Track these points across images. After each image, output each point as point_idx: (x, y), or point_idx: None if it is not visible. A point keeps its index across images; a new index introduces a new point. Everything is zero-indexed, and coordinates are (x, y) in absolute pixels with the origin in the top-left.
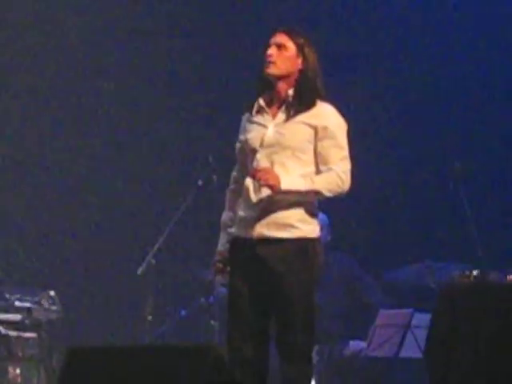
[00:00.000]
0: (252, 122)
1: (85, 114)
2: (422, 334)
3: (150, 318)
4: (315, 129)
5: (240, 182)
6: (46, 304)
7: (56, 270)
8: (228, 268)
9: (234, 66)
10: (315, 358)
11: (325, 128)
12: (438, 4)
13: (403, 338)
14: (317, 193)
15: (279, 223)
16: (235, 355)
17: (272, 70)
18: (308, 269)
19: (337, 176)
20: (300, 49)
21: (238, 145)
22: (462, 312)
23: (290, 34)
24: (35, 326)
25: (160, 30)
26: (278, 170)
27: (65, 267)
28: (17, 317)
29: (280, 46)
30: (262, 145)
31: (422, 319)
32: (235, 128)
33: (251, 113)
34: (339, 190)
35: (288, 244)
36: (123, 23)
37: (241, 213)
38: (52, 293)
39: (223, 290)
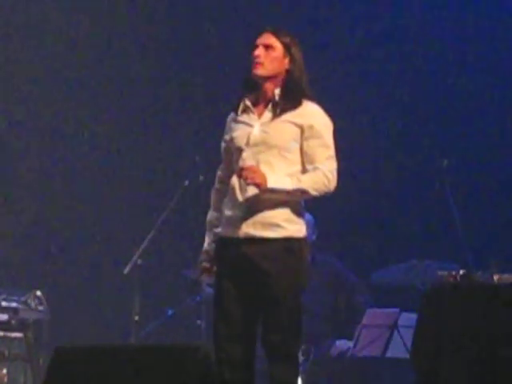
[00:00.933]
0: (238, 122)
1: (70, 116)
2: (408, 334)
3: (136, 317)
4: (301, 128)
5: (225, 182)
6: (32, 304)
7: (42, 270)
8: (214, 268)
9: (220, 66)
10: (301, 357)
11: (311, 127)
12: (431, 8)
13: (390, 337)
14: (303, 192)
15: (265, 223)
16: (222, 355)
17: (260, 71)
18: (294, 268)
19: (323, 175)
20: (287, 48)
21: (223, 144)
22: (448, 312)
23: (277, 33)
24: (22, 326)
25: (145, 33)
26: (264, 168)
27: (51, 267)
28: (3, 317)
29: (267, 47)
30: (247, 144)
31: (409, 319)
32: (222, 128)
33: (237, 112)
34: (325, 190)
35: (274, 243)
36: (112, 27)
37: (227, 212)
38: (38, 293)
39: (210, 290)
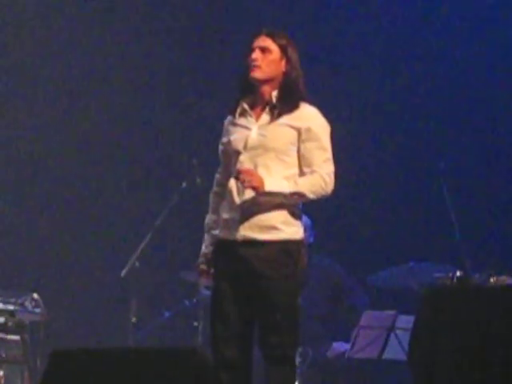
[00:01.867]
0: (235, 125)
1: (64, 119)
2: (405, 336)
3: (133, 320)
4: (298, 131)
5: (223, 185)
6: (29, 306)
7: (39, 273)
8: (212, 270)
9: (219, 68)
10: (298, 359)
11: (308, 130)
12: (420, 12)
13: (387, 339)
14: (300, 195)
15: (263, 225)
16: (219, 357)
17: (257, 75)
18: (292, 271)
19: (320, 178)
20: (284, 51)
21: (220, 147)
22: (445, 314)
23: (273, 36)
24: (19, 329)
25: (142, 34)
26: (261, 172)
27: (48, 269)
28: (0, 319)
29: (264, 50)
30: (245, 147)
31: (406, 321)
32: (219, 130)
33: (234, 115)
34: (323, 193)
35: (272, 246)
36: (110, 29)
37: (224, 215)
38: (35, 295)
39: (207, 292)
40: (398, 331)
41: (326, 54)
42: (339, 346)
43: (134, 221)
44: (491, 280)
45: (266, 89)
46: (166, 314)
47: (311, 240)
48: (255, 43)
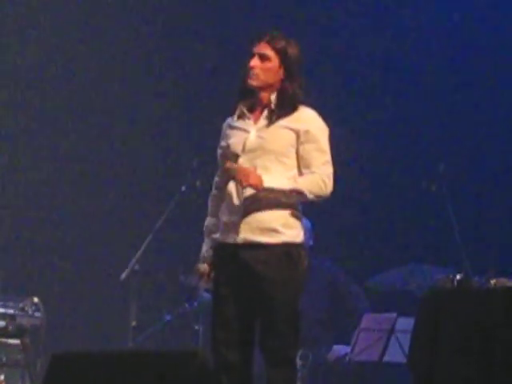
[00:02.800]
0: (233, 128)
1: (63, 123)
2: (405, 339)
3: (134, 323)
4: (297, 133)
5: (222, 188)
6: (29, 310)
7: (40, 277)
8: (212, 273)
9: (218, 71)
10: (299, 362)
11: (307, 132)
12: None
13: (387, 342)
14: (299, 193)
15: (263, 228)
16: (220, 360)
17: (255, 82)
18: (293, 273)
19: (320, 179)
20: (283, 58)
21: (219, 150)
22: (445, 316)
23: (273, 43)
24: (19, 333)
25: (143, 38)
26: (262, 174)
27: (48, 273)
28: (0, 323)
29: (263, 57)
30: (244, 150)
31: (406, 324)
32: (219, 133)
33: (232, 118)
34: (321, 194)
35: (272, 249)
36: (110, 32)
37: (224, 218)
38: (36, 299)
39: (207, 296)
40: (398, 334)
41: (325, 54)
42: (340, 349)
43: (133, 224)
44: (491, 282)
45: (264, 94)
46: (167, 318)
47: (311, 243)
48: (255, 49)
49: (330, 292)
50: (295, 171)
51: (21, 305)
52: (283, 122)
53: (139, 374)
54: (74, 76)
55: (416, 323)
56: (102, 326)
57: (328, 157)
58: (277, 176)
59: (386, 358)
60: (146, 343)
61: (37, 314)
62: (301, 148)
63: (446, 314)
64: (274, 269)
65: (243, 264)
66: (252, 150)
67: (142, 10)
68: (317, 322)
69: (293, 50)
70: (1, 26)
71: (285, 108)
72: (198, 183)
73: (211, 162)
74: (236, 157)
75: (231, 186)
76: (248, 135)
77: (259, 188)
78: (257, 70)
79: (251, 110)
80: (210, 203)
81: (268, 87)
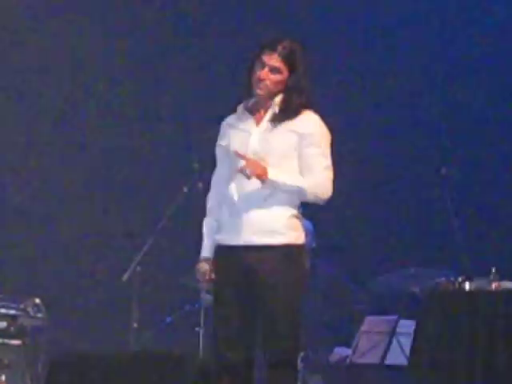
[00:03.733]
0: (235, 128)
1: (66, 123)
2: (407, 341)
3: (135, 325)
4: (300, 136)
5: (221, 189)
6: (31, 311)
7: (41, 278)
8: (213, 274)
9: (219, 72)
10: (300, 364)
11: (310, 135)
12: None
13: (388, 344)
14: (301, 191)
15: (265, 230)
16: (221, 361)
17: (264, 93)
18: (294, 275)
19: (322, 181)
20: (292, 69)
21: (218, 150)
22: (446, 319)
23: (284, 56)
24: (20, 334)
25: (141, 38)
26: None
27: (50, 274)
28: (2, 324)
29: (273, 70)
30: (246, 151)
31: (408, 326)
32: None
33: (233, 118)
34: (321, 197)
35: (274, 250)
36: (110, 35)
37: (225, 219)
38: (37, 300)
39: (209, 297)
40: (399, 336)
41: (326, 56)
42: (341, 351)
43: (135, 225)
44: (493, 285)
45: (268, 100)
46: (168, 319)
47: (314, 244)
48: (266, 59)
49: (331, 294)
50: (297, 174)
51: (22, 306)
52: (286, 125)
53: (140, 376)
54: (74, 75)
55: (417, 326)
56: (104, 327)
57: (329, 162)
58: (281, 171)
59: (388, 361)
60: (148, 345)
61: (38, 315)
62: (303, 151)
63: (447, 316)
64: (275, 270)
65: (244, 265)
66: (254, 152)
67: (144, 8)
68: (318, 323)
69: (302, 59)
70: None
71: (289, 110)
72: (200, 185)
73: (213, 164)
74: (238, 158)
75: (232, 187)
76: (250, 137)
77: (264, 179)
78: (267, 82)
79: (253, 110)
80: (208, 203)
81: (274, 95)
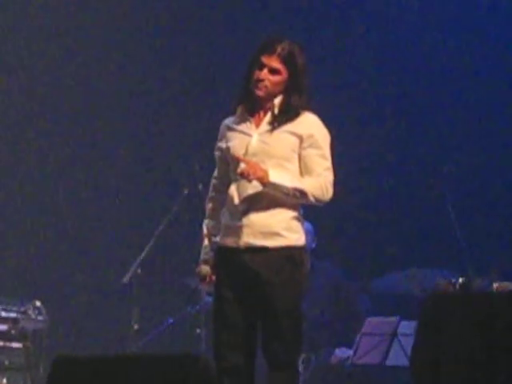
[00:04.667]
0: (234, 130)
1: (65, 125)
2: (408, 342)
3: (136, 326)
4: (300, 138)
5: (221, 190)
6: (32, 314)
7: (42, 280)
8: (213, 276)
9: (220, 73)
10: (301, 366)
11: (310, 136)
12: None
13: (389, 345)
14: (302, 193)
15: (265, 232)
16: (223, 364)
17: (263, 94)
18: (295, 277)
19: (323, 183)
20: (291, 70)
21: (217, 153)
22: (447, 320)
23: (284, 57)
24: (22, 336)
25: (141, 42)
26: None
27: (51, 277)
28: (3, 327)
29: (273, 71)
30: (246, 153)
31: (409, 327)
32: None
33: (231, 120)
34: (322, 198)
35: (275, 252)
36: (106, 38)
37: (226, 222)
38: (38, 303)
39: (209, 299)
40: (400, 337)
41: (323, 58)
42: (342, 352)
43: (136, 227)
44: (494, 286)
45: (268, 102)
46: (169, 321)
47: (313, 246)
48: (266, 60)
49: (332, 295)
50: (298, 176)
51: (23, 308)
52: (286, 126)
53: (141, 378)
54: (72, 77)
55: (418, 327)
56: (105, 329)
57: (330, 164)
58: (282, 173)
59: (389, 362)
60: (149, 347)
61: (39, 318)
62: (303, 152)
63: (449, 317)
64: (276, 272)
65: (245, 267)
66: (254, 154)
67: (140, 9)
68: (319, 325)
69: (301, 61)
70: None
71: (288, 114)
72: (200, 186)
73: (213, 166)
74: (238, 160)
75: (233, 190)
76: (250, 139)
77: (265, 182)
78: (266, 83)
79: (252, 112)
80: (208, 205)
81: (273, 96)
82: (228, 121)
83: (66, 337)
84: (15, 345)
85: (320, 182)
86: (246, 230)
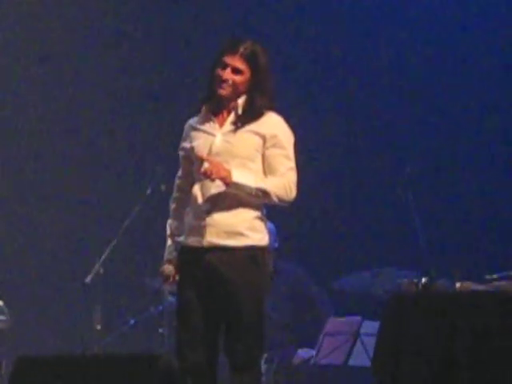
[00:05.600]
0: (197, 130)
1: (36, 124)
2: (370, 342)
3: (98, 327)
4: (264, 137)
5: (185, 190)
6: None
7: (4, 280)
8: (177, 276)
9: (182, 74)
10: (264, 366)
11: (274, 136)
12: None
13: (352, 345)
14: (265, 193)
15: (229, 231)
16: (185, 364)
17: (227, 93)
18: (258, 277)
19: (286, 183)
20: (254, 70)
21: (181, 152)
22: (409, 320)
23: (246, 57)
24: None
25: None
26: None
27: (13, 276)
28: None
29: (236, 70)
30: (209, 153)
31: (371, 327)
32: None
33: (195, 120)
34: (285, 198)
35: (238, 252)
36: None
37: (189, 221)
38: (0, 302)
39: (172, 299)
40: (363, 337)
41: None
42: (304, 353)
43: (98, 227)
44: (456, 286)
45: (231, 102)
46: (131, 321)
47: (276, 245)
48: (228, 60)
49: (294, 295)
50: (261, 176)
51: None
52: (249, 126)
53: (104, 378)
54: (51, 79)
55: (380, 327)
56: (67, 329)
57: (293, 164)
58: (246, 173)
59: (351, 362)
60: (111, 347)
61: (1, 318)
62: (267, 152)
63: (410, 317)
64: (239, 272)
65: (208, 267)
66: (218, 154)
67: (126, 10)
68: (281, 325)
69: (263, 60)
70: None
71: (252, 114)
72: (162, 187)
73: (176, 166)
74: (201, 160)
75: (196, 189)
76: (214, 139)
77: (228, 181)
78: (230, 82)
79: (216, 112)
80: (172, 205)
81: (237, 96)
82: (192, 121)
83: (29, 336)
84: None
85: (283, 182)
86: (209, 230)
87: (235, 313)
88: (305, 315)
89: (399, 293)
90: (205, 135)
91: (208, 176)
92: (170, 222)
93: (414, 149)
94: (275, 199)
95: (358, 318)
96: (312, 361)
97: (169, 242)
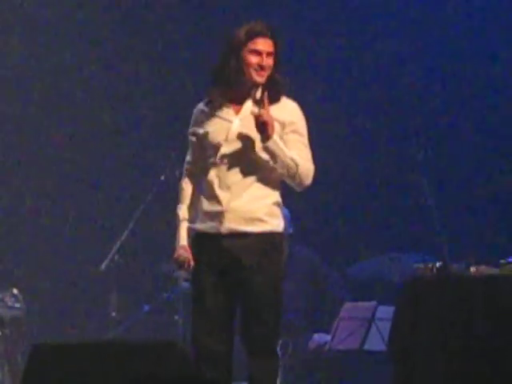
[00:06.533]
0: (212, 116)
1: (44, 112)
2: (385, 327)
3: (113, 313)
4: (283, 124)
5: (195, 175)
6: (9, 302)
7: (19, 268)
8: (191, 262)
9: (195, 62)
10: (279, 351)
11: (292, 123)
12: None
13: (367, 330)
14: (295, 166)
15: (248, 217)
16: (200, 350)
17: (263, 80)
18: (275, 263)
19: (310, 167)
20: (277, 50)
21: (193, 138)
22: (424, 304)
23: (273, 38)
24: None
25: (121, 32)
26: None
27: (28, 264)
28: None
29: (269, 54)
30: (226, 139)
31: (386, 312)
32: None
33: (206, 105)
34: (305, 180)
35: (256, 238)
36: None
37: (205, 208)
38: (15, 290)
39: (186, 285)
40: (378, 322)
41: (299, 47)
42: (320, 338)
43: (113, 214)
44: (471, 270)
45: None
46: (146, 308)
47: (291, 231)
48: (262, 45)
49: (310, 280)
50: None
51: (0, 296)
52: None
53: (119, 365)
54: (55, 75)
55: (395, 312)
56: (82, 316)
57: (310, 152)
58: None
59: (366, 347)
60: (126, 333)
61: (17, 305)
62: (286, 138)
63: (426, 302)
64: (257, 258)
65: (226, 253)
66: (236, 140)
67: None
68: (296, 310)
69: (280, 39)
70: None
71: (270, 98)
72: (177, 173)
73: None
74: (218, 145)
75: (212, 175)
76: (231, 125)
77: (270, 135)
78: (267, 69)
79: (231, 98)
80: (181, 191)
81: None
82: (202, 105)
83: (44, 324)
84: None
85: (308, 164)
86: (228, 216)
87: (252, 298)
88: (320, 300)
89: (414, 278)
90: (220, 121)
91: (261, 120)
92: (180, 207)
93: (428, 133)
94: (300, 176)
95: (374, 302)
96: (327, 346)
97: (180, 227)
